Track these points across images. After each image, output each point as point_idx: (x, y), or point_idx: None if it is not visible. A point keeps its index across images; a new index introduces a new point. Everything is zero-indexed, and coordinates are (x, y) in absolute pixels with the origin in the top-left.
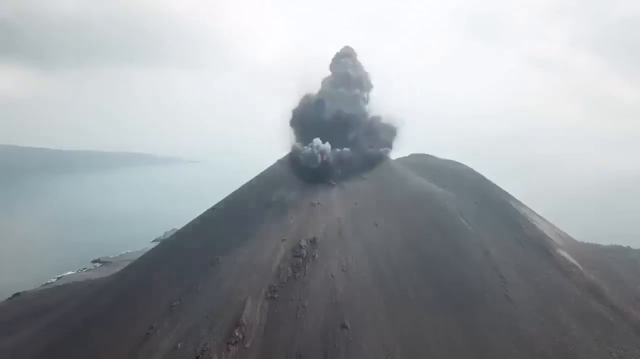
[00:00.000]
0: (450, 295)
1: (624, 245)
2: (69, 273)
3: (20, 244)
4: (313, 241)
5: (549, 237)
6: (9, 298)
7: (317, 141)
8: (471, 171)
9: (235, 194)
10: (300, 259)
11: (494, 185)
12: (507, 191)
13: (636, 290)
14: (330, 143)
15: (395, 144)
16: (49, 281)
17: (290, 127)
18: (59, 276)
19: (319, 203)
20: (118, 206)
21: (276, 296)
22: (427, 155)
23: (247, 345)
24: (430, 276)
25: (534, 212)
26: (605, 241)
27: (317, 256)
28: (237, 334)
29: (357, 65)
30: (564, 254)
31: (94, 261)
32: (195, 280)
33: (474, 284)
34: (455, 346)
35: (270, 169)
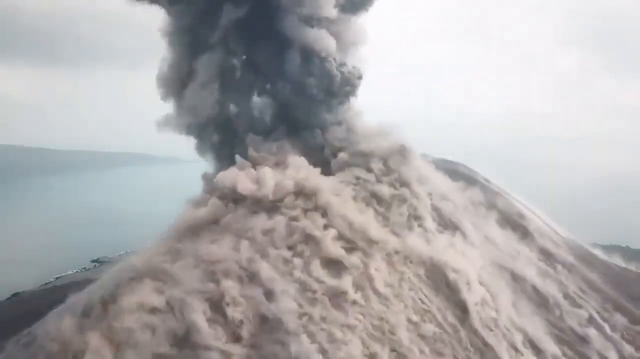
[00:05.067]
0: None
1: (623, 245)
2: (68, 272)
3: (20, 244)
4: None
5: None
6: (8, 298)
7: None
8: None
9: None
10: None
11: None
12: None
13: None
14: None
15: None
16: (47, 281)
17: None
18: (58, 276)
19: None
20: (117, 206)
21: None
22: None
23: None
24: None
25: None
26: (604, 241)
27: None
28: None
29: None
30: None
31: (93, 261)
32: None
33: None
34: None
35: None
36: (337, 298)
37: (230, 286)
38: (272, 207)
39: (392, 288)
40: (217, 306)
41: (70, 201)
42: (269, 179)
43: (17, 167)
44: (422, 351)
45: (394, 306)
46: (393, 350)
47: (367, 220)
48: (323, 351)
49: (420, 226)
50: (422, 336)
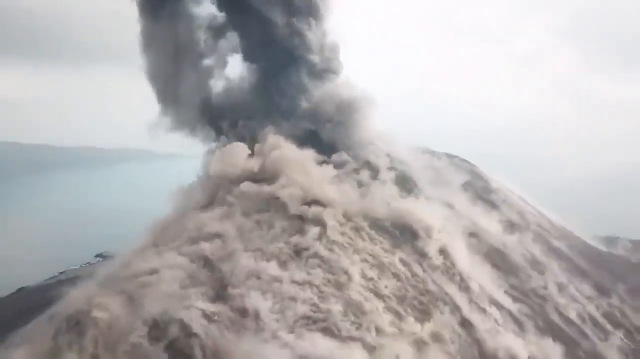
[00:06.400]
0: None
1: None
2: (72, 267)
3: (24, 241)
4: None
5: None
6: (14, 292)
7: None
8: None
9: None
10: None
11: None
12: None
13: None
14: None
15: None
16: (52, 276)
17: None
18: (62, 270)
19: None
20: (119, 202)
21: None
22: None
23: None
24: None
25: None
26: (601, 233)
27: None
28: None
29: None
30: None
31: (97, 256)
32: None
33: None
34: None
35: None
36: (295, 254)
37: (206, 248)
38: (245, 179)
39: (351, 240)
40: (201, 265)
41: (73, 197)
42: (240, 157)
43: (18, 165)
44: (376, 308)
45: (352, 260)
46: (347, 306)
47: (325, 180)
48: (274, 309)
49: (379, 182)
50: (378, 291)
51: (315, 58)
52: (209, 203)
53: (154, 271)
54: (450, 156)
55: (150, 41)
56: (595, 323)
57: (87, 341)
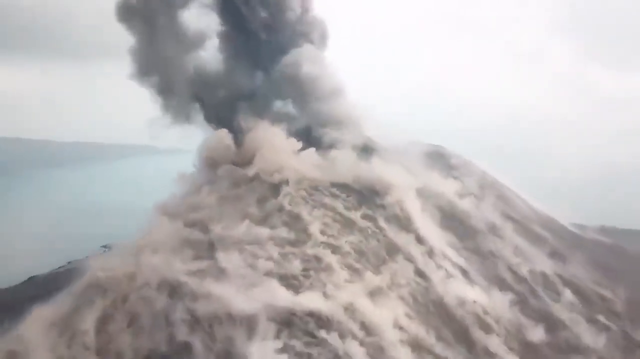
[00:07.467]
0: None
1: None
2: (79, 258)
3: (31, 234)
4: None
5: None
6: (24, 281)
7: None
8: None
9: None
10: None
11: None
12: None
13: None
14: None
15: None
16: (60, 266)
17: None
18: (70, 261)
19: None
20: (122, 196)
21: None
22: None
23: None
24: None
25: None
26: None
27: None
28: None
29: None
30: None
31: (103, 246)
32: None
33: None
34: None
35: None
36: (265, 216)
37: (197, 215)
38: (229, 162)
39: (312, 197)
40: (191, 231)
41: (74, 192)
42: (223, 143)
43: (23, 160)
44: (335, 264)
45: (314, 217)
46: (308, 262)
47: (290, 151)
48: (243, 265)
49: (340, 151)
50: (338, 247)
51: (282, 36)
52: (202, 185)
53: (156, 240)
54: (425, 144)
55: (141, 26)
56: (546, 283)
57: (106, 296)
